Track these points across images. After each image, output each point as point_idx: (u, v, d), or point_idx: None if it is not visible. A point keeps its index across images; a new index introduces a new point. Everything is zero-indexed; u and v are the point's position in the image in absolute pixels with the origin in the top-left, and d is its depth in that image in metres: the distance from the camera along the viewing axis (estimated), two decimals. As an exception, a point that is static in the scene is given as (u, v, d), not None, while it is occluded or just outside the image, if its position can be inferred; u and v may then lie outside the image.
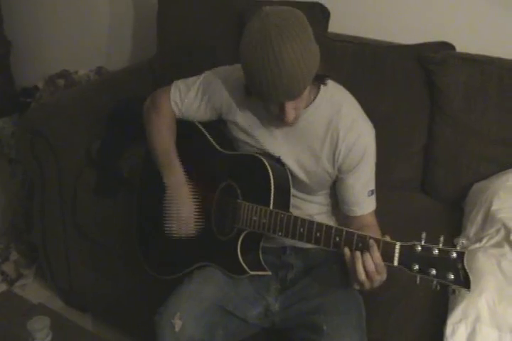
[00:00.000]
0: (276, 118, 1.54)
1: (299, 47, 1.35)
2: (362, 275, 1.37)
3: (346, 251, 1.40)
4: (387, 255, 1.34)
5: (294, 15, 1.39)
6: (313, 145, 1.62)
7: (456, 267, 1.26)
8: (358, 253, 1.37)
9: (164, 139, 1.77)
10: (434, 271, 1.27)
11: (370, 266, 1.36)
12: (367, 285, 1.40)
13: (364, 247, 1.37)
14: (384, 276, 1.40)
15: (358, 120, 1.60)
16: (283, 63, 1.34)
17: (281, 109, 1.47)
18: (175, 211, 1.71)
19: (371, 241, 1.36)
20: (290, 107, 1.46)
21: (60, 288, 2.57)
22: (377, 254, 1.35)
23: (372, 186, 1.65)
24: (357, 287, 1.44)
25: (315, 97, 1.59)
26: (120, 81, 2.68)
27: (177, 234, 1.71)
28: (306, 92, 1.47)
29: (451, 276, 1.25)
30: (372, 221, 1.66)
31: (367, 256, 1.36)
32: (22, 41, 3.59)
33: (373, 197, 1.66)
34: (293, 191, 1.64)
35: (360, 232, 1.40)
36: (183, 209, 1.70)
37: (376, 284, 1.41)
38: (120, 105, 2.37)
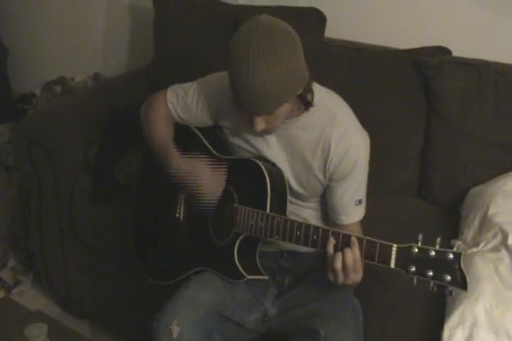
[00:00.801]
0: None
1: (276, 68, 1.35)
2: (338, 267, 1.39)
3: (331, 240, 1.42)
4: (384, 257, 1.34)
5: (284, 35, 1.38)
6: (305, 153, 1.62)
7: (453, 268, 1.26)
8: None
9: (161, 130, 1.76)
10: (431, 273, 1.28)
11: (349, 261, 1.38)
12: (341, 279, 1.42)
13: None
14: (359, 277, 1.43)
15: (350, 130, 1.60)
16: (253, 80, 1.35)
17: (250, 119, 1.49)
18: (194, 183, 1.64)
19: (353, 238, 1.39)
20: (259, 120, 1.47)
21: (58, 294, 2.56)
22: (356, 251, 1.38)
23: (360, 196, 1.65)
24: (331, 278, 1.45)
25: (309, 105, 1.58)
26: (117, 87, 2.69)
27: (207, 201, 1.65)
28: (283, 110, 1.47)
29: (448, 277, 1.26)
30: (357, 230, 1.65)
31: (346, 251, 1.38)
32: (19, 48, 3.61)
33: (361, 207, 1.66)
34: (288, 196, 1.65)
35: (357, 235, 1.41)
36: (202, 177, 1.64)
37: (349, 282, 1.43)
38: (117, 111, 2.38)
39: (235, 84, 1.40)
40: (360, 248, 1.38)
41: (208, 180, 1.64)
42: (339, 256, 1.39)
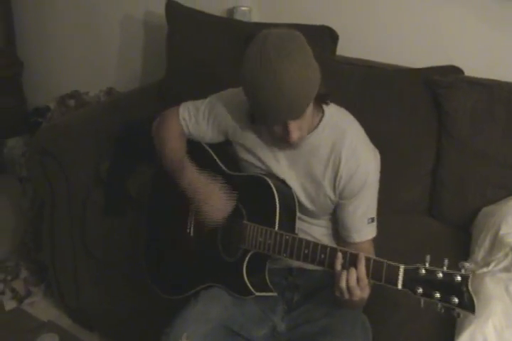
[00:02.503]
0: (280, 140, 1.55)
1: (299, 65, 1.37)
2: (343, 285, 1.40)
3: (339, 258, 1.42)
4: (391, 278, 1.34)
5: (291, 35, 1.41)
6: (316, 171, 1.62)
7: (461, 290, 1.26)
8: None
9: (173, 144, 1.77)
10: (438, 295, 1.28)
11: (352, 280, 1.39)
12: (346, 296, 1.42)
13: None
14: (366, 293, 1.43)
15: (361, 147, 1.61)
16: (283, 83, 1.36)
17: (285, 129, 1.48)
18: (204, 201, 1.67)
19: (360, 255, 1.39)
20: (294, 127, 1.46)
21: (69, 306, 2.57)
22: (362, 269, 1.38)
23: (372, 214, 1.65)
24: (337, 294, 1.45)
25: (319, 122, 1.60)
26: (130, 102, 2.71)
27: (214, 220, 1.67)
28: (309, 112, 1.48)
29: (456, 300, 1.25)
30: (369, 248, 1.65)
31: (352, 270, 1.39)
32: (34, 62, 3.66)
33: (373, 225, 1.66)
34: (297, 214, 1.65)
35: (366, 254, 1.41)
36: (213, 195, 1.67)
37: (355, 298, 1.43)
38: (129, 126, 2.39)
39: (265, 96, 1.39)
40: (367, 267, 1.38)
41: (216, 202, 1.66)
42: (344, 275, 1.40)
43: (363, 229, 1.64)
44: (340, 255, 1.43)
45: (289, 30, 1.43)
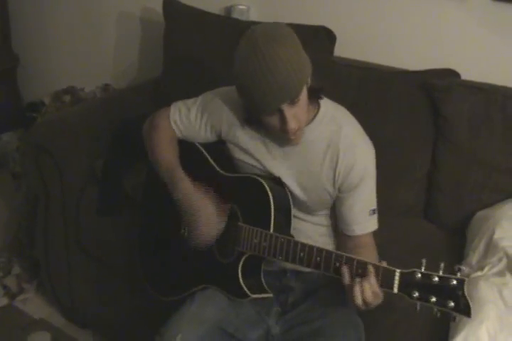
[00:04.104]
0: (279, 133, 1.54)
1: (287, 49, 1.39)
2: (359, 301, 1.37)
3: (346, 277, 1.39)
4: (386, 282, 1.34)
5: (278, 25, 1.46)
6: (313, 165, 1.63)
7: (457, 294, 1.26)
8: (357, 281, 1.37)
9: (166, 152, 1.76)
10: (434, 299, 1.28)
11: (368, 296, 1.36)
12: (363, 308, 1.41)
13: (363, 273, 1.37)
14: (380, 300, 1.41)
15: (358, 140, 1.62)
16: (274, 64, 1.38)
17: (282, 119, 1.47)
18: (194, 220, 1.65)
19: (369, 267, 1.36)
20: (289, 114, 1.46)
21: (61, 303, 2.55)
22: (374, 282, 1.35)
23: (373, 205, 1.65)
24: (354, 307, 1.45)
25: (315, 116, 1.61)
26: (126, 99, 2.70)
27: (204, 240, 1.65)
28: (304, 100, 1.48)
29: (452, 304, 1.25)
30: (370, 241, 1.65)
31: (366, 286, 1.35)
32: (30, 56, 3.63)
33: (375, 217, 1.66)
34: (294, 211, 1.64)
35: (360, 258, 1.40)
36: (203, 215, 1.64)
37: (372, 307, 1.42)
38: (125, 123, 2.38)
39: (257, 81, 1.40)
40: (377, 276, 1.36)
41: (205, 218, 1.63)
42: (358, 293, 1.36)
43: (365, 221, 1.64)
44: (346, 268, 1.39)
45: (275, 22, 1.47)
